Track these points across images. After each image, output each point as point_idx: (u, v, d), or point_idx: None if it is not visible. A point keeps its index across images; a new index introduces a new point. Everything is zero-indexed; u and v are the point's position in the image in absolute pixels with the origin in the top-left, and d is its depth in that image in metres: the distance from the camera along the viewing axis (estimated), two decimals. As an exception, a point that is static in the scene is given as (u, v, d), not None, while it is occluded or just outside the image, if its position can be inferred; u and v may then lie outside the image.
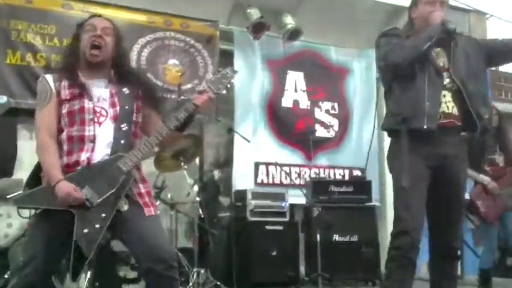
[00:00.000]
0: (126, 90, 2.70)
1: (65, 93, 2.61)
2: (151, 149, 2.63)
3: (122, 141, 2.60)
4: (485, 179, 5.23)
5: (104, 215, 2.49)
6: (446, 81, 3.16)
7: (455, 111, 3.13)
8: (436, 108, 3.07)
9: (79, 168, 2.52)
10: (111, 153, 2.56)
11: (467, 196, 4.48)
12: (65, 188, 2.46)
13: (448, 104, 3.13)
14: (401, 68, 3.15)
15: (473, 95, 3.14)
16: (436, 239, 3.21)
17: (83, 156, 2.54)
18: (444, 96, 3.13)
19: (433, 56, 3.17)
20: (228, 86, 2.75)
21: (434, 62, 3.16)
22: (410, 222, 3.03)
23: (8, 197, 2.59)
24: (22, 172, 4.80)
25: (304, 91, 6.64)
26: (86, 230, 2.45)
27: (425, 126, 3.03)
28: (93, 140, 2.56)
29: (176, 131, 2.68)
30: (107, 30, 2.70)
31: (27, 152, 4.98)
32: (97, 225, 2.47)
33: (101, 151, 2.57)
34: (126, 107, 2.67)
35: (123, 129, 2.62)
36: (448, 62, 3.19)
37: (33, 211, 2.74)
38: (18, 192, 2.58)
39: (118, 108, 2.65)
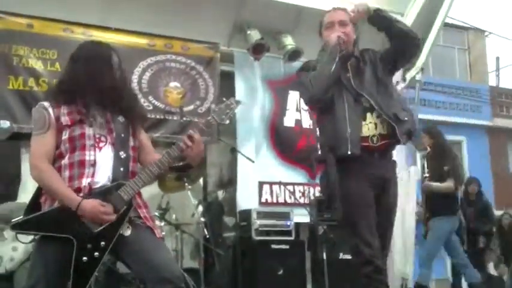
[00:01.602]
0: (121, 118, 2.73)
1: (65, 119, 2.62)
2: (153, 178, 2.64)
3: (121, 169, 2.62)
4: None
5: (103, 243, 2.49)
6: (366, 102, 3.17)
7: (386, 129, 3.15)
8: (358, 133, 3.09)
9: (80, 195, 2.52)
10: (112, 181, 2.58)
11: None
12: (92, 205, 2.46)
13: (379, 124, 3.15)
14: (321, 100, 3.18)
15: (387, 106, 3.15)
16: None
17: (84, 182, 2.55)
18: (373, 117, 3.15)
19: (348, 81, 3.20)
20: (231, 116, 2.77)
21: (351, 86, 3.19)
22: (368, 251, 3.02)
23: (12, 221, 2.56)
24: (26, 195, 4.76)
25: (306, 110, 6.64)
26: (85, 258, 2.45)
27: (349, 152, 3.05)
28: (93, 165, 2.57)
29: (179, 163, 2.72)
30: None
31: (31, 176, 5.00)
32: (96, 254, 2.48)
33: (101, 176, 2.58)
34: (122, 135, 2.69)
35: (122, 156, 2.65)
36: (360, 83, 3.21)
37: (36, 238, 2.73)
38: (20, 217, 2.56)
39: (114, 135, 2.67)
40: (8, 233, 4.73)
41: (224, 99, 2.82)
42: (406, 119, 3.18)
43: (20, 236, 2.62)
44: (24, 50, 5.22)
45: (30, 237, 2.75)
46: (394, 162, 3.36)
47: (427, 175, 5.74)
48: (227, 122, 2.76)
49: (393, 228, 3.32)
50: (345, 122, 3.10)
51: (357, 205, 3.08)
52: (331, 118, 3.16)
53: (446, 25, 6.67)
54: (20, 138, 5.17)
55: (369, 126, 3.14)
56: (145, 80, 5.77)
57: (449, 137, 14.81)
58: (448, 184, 5.69)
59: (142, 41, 5.84)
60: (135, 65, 5.72)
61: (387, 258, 3.26)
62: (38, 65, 5.27)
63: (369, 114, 3.16)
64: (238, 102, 2.81)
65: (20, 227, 2.56)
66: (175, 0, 5.72)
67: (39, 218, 2.53)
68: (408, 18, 6.67)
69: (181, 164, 2.76)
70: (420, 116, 6.81)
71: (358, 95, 3.18)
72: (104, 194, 2.53)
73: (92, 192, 2.54)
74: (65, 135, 2.59)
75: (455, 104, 14.72)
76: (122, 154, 2.65)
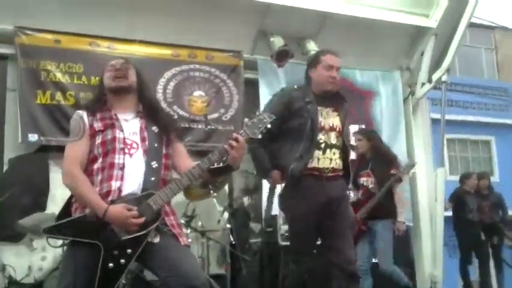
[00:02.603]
0: (155, 128, 2.79)
1: (98, 125, 2.71)
2: (182, 188, 2.68)
3: (152, 179, 2.66)
4: None
5: (129, 250, 2.53)
6: (333, 139, 3.63)
7: (340, 165, 3.63)
8: (306, 162, 3.53)
9: (110, 199, 2.57)
10: (142, 190, 2.61)
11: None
12: (118, 211, 2.51)
13: (336, 160, 3.61)
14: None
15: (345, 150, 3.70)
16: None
17: (114, 186, 2.60)
18: (334, 153, 3.60)
19: (318, 119, 3.59)
20: (264, 131, 2.77)
21: (319, 124, 3.59)
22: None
23: (43, 228, 2.63)
24: (54, 206, 4.90)
25: (330, 116, 6.62)
26: (111, 265, 2.49)
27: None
28: (122, 168, 2.62)
29: (210, 174, 2.75)
30: (125, 64, 2.85)
31: (59, 187, 5.04)
32: (122, 261, 2.51)
33: (130, 182, 2.62)
34: (156, 145, 2.74)
35: (153, 166, 2.68)
36: (341, 124, 3.69)
37: (64, 243, 2.79)
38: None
39: (147, 143, 2.72)
40: (37, 243, 4.84)
41: (258, 113, 2.83)
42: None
43: (50, 241, 2.67)
44: (52, 65, 5.35)
45: (60, 242, 2.80)
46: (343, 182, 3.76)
47: (371, 184, 5.36)
48: (259, 136, 2.77)
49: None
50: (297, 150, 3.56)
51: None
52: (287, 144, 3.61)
53: (472, 25, 6.58)
54: (47, 151, 5.30)
55: (336, 162, 3.62)
56: (169, 90, 5.84)
57: (478, 137, 14.69)
58: None
59: (166, 52, 5.92)
60: (160, 76, 5.80)
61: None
62: (65, 79, 5.39)
63: (335, 150, 3.61)
64: (271, 117, 2.80)
65: (51, 232, 2.61)
66: (197, 11, 5.78)
67: (69, 224, 2.59)
68: (433, 20, 6.62)
69: (221, 165, 2.76)
70: (448, 116, 6.71)
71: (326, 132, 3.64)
72: (133, 202, 2.57)
73: (123, 199, 2.58)
74: (98, 140, 2.68)
75: (483, 103, 14.49)
76: (154, 164, 2.69)
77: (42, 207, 5.12)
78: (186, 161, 2.87)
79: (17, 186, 4.90)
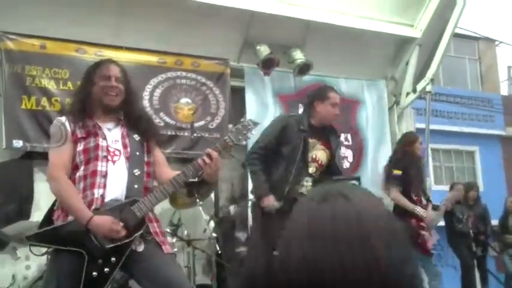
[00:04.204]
0: (136, 136, 2.78)
1: (81, 132, 2.69)
2: (166, 196, 2.67)
3: (136, 186, 2.65)
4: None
5: (114, 259, 2.51)
6: (311, 170, 3.96)
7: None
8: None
9: (93, 207, 2.55)
10: (126, 197, 2.61)
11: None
12: (102, 221, 2.49)
13: (308, 187, 3.90)
14: None
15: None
16: None
17: (96, 194, 2.58)
18: (308, 181, 3.93)
19: (306, 149, 3.91)
20: (249, 137, 2.77)
21: (306, 153, 3.91)
22: None
23: (26, 236, 2.60)
24: (39, 214, 4.81)
25: (316, 124, 6.65)
26: (94, 273, 2.47)
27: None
28: (104, 176, 2.61)
29: (188, 187, 2.75)
30: (120, 79, 2.81)
31: (44, 195, 5.02)
32: (106, 269, 2.50)
33: (113, 189, 2.61)
34: (137, 153, 2.74)
35: (136, 174, 2.68)
36: (327, 159, 4.05)
37: (47, 251, 2.77)
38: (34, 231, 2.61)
39: (129, 151, 2.71)
40: (21, 252, 4.77)
41: (242, 120, 2.86)
42: None
43: (33, 249, 2.65)
44: (37, 70, 5.30)
45: (43, 251, 2.77)
46: None
47: None
48: (244, 143, 2.79)
49: None
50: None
51: None
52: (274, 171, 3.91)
53: (456, 35, 6.65)
54: (32, 158, 5.23)
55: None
56: (156, 97, 5.82)
57: (463, 147, 14.82)
58: None
59: (153, 59, 5.90)
60: (146, 82, 5.78)
61: None
62: (51, 85, 5.34)
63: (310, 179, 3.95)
64: (256, 124, 2.84)
65: (34, 239, 2.59)
66: (184, 18, 5.77)
67: (52, 231, 2.58)
68: (418, 30, 6.69)
69: (196, 180, 2.77)
70: (432, 126, 6.77)
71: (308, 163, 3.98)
72: (117, 210, 2.56)
73: (106, 206, 2.56)
74: (80, 147, 2.66)
75: (467, 114, 14.66)
76: (137, 172, 2.68)
77: (26, 215, 5.06)
78: (164, 169, 2.87)
79: (1, 193, 4.85)
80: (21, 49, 5.27)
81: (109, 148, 2.68)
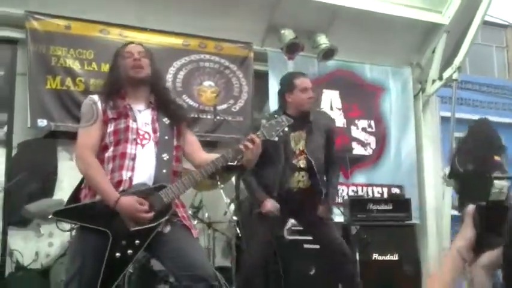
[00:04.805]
0: (166, 120, 2.78)
1: (112, 113, 2.69)
2: (194, 183, 2.67)
3: (164, 171, 2.65)
4: None
5: (138, 242, 2.52)
6: (302, 163, 3.99)
7: (307, 184, 3.99)
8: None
9: (121, 189, 2.56)
10: (154, 182, 2.60)
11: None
12: (130, 203, 2.50)
13: (304, 181, 3.98)
14: None
15: (320, 170, 3.98)
16: None
17: (125, 176, 2.58)
18: (303, 176, 3.97)
19: (291, 145, 3.94)
20: (281, 133, 2.78)
21: (291, 149, 3.95)
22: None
23: (50, 216, 2.63)
24: (62, 193, 4.92)
25: (340, 109, 6.60)
26: (118, 254, 2.48)
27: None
28: (133, 159, 2.61)
29: (222, 170, 2.76)
30: (142, 53, 2.83)
31: (67, 173, 5.11)
32: (129, 251, 2.51)
33: (141, 173, 2.61)
34: (166, 137, 2.73)
35: (164, 158, 2.67)
36: (305, 145, 3.99)
37: (72, 227, 2.80)
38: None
39: (158, 135, 2.71)
40: (44, 229, 4.85)
41: (276, 116, 2.89)
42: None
43: (59, 225, 2.66)
44: (62, 51, 5.33)
45: (68, 228, 2.80)
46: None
47: None
48: (276, 139, 2.78)
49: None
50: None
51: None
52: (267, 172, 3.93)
53: (483, 23, 6.51)
54: (56, 137, 5.30)
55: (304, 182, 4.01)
56: (179, 79, 5.83)
57: (487, 137, 14.58)
58: None
59: (176, 41, 5.90)
60: (170, 65, 5.78)
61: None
62: (75, 65, 5.38)
63: (303, 173, 4.00)
64: (289, 121, 2.82)
65: (62, 215, 2.61)
66: (209, 1, 5.75)
67: (79, 208, 2.59)
68: (446, 17, 6.57)
69: (235, 164, 2.77)
70: (457, 115, 6.66)
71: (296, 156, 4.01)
72: (145, 193, 2.56)
73: (134, 189, 2.56)
74: (111, 128, 2.66)
75: (493, 103, 14.41)
76: (165, 156, 2.68)
77: (49, 193, 5.13)
78: (198, 151, 2.87)
79: (25, 171, 4.91)
80: (47, 29, 5.30)
81: (139, 131, 2.68)
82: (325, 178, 4.12)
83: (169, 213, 2.60)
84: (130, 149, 2.63)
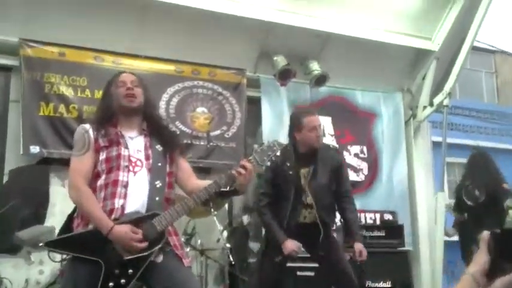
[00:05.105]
0: (159, 147, 2.78)
1: (103, 140, 2.70)
2: (187, 210, 2.67)
3: (157, 198, 2.64)
4: None
5: (131, 271, 2.50)
6: (310, 200, 3.95)
7: (313, 219, 3.97)
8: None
9: (113, 217, 2.55)
10: (147, 210, 2.60)
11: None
12: (124, 232, 2.49)
13: (310, 216, 3.97)
14: None
15: (324, 207, 3.97)
16: None
17: (117, 204, 2.58)
18: (310, 212, 3.95)
19: (301, 182, 3.95)
20: (273, 158, 2.80)
21: (301, 185, 3.94)
22: None
23: (40, 244, 2.61)
24: (54, 218, 4.89)
25: (332, 135, 6.63)
26: (111, 284, 2.46)
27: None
28: (125, 186, 2.61)
29: (215, 196, 2.75)
30: (135, 82, 2.85)
31: (59, 200, 5.08)
32: (123, 281, 2.49)
33: (134, 200, 2.60)
34: (159, 164, 2.73)
35: (157, 186, 2.67)
36: (307, 183, 3.97)
37: (63, 258, 2.78)
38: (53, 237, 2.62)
39: (151, 162, 2.71)
40: (35, 257, 4.78)
41: (268, 141, 2.88)
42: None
43: (50, 255, 2.64)
44: (56, 78, 5.35)
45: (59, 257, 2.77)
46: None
47: None
48: (268, 164, 2.81)
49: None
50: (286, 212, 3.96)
51: None
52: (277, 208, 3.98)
53: (472, 48, 6.58)
54: (49, 163, 5.28)
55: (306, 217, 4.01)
56: (172, 106, 5.85)
57: (478, 161, 14.65)
58: None
59: (170, 68, 5.94)
60: (163, 91, 5.81)
61: None
62: (69, 92, 5.39)
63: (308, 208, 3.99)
64: (281, 145, 2.84)
65: (53, 245, 2.60)
66: (202, 28, 5.80)
67: (71, 239, 2.58)
68: (436, 43, 6.66)
69: (228, 189, 2.78)
70: (449, 140, 6.70)
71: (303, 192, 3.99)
72: (137, 222, 2.55)
73: (126, 217, 2.55)
74: (103, 156, 2.67)
75: (483, 127, 14.52)
76: (158, 183, 2.67)
77: (41, 219, 5.09)
78: (191, 178, 2.87)
79: (17, 198, 4.88)
80: (41, 56, 5.32)
81: (131, 158, 2.68)
82: (336, 211, 4.17)
83: (163, 241, 2.59)
84: (122, 176, 2.63)
